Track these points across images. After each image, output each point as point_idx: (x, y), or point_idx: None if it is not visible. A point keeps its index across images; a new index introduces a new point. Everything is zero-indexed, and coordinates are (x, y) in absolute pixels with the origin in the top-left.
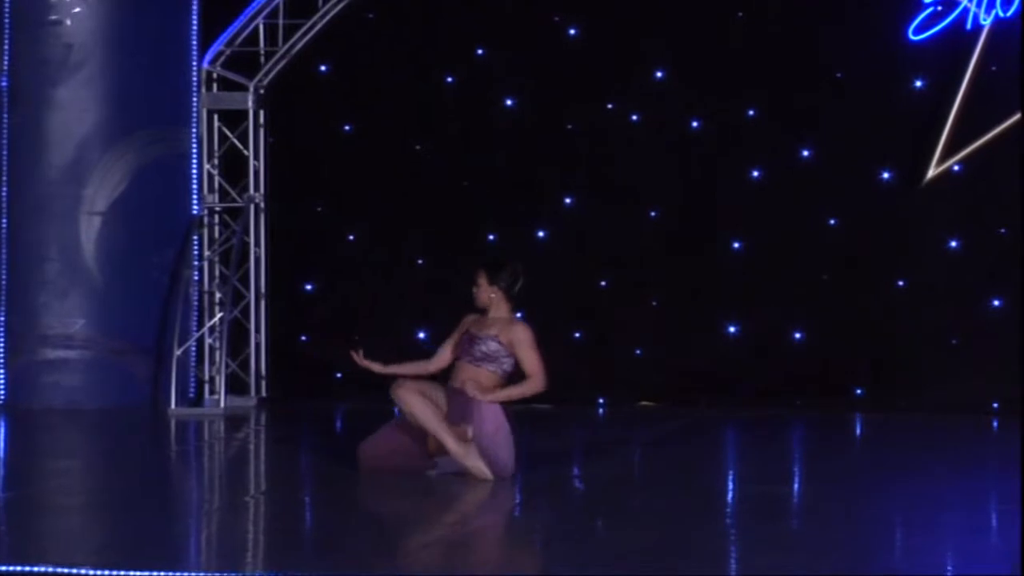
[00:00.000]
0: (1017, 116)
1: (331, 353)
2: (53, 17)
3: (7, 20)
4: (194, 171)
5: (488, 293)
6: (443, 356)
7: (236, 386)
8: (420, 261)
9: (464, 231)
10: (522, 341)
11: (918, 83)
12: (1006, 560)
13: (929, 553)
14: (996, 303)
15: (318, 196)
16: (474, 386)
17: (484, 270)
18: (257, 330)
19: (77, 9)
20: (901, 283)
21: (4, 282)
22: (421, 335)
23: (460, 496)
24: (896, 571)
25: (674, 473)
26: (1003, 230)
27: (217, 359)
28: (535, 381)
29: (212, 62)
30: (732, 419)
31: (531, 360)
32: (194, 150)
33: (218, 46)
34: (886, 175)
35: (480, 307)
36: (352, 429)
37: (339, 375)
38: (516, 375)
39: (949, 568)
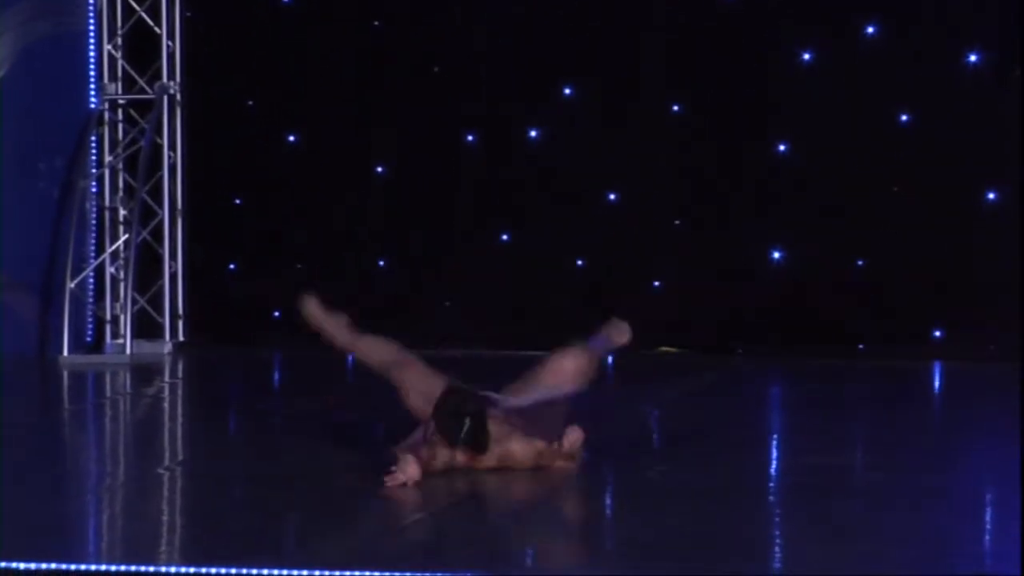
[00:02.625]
0: None
1: (266, 286)
2: None
3: None
4: (91, 54)
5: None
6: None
7: (146, 328)
8: (380, 169)
9: (436, 129)
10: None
11: None
12: None
13: None
14: None
15: (249, 87)
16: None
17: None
18: (172, 257)
19: None
20: (992, 196)
21: None
22: (381, 263)
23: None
24: (985, 570)
25: (707, 446)
26: None
27: (121, 294)
28: None
29: None
30: (775, 369)
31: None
32: (91, 27)
33: None
34: (974, 58)
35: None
36: (293, 381)
37: (276, 313)
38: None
39: None
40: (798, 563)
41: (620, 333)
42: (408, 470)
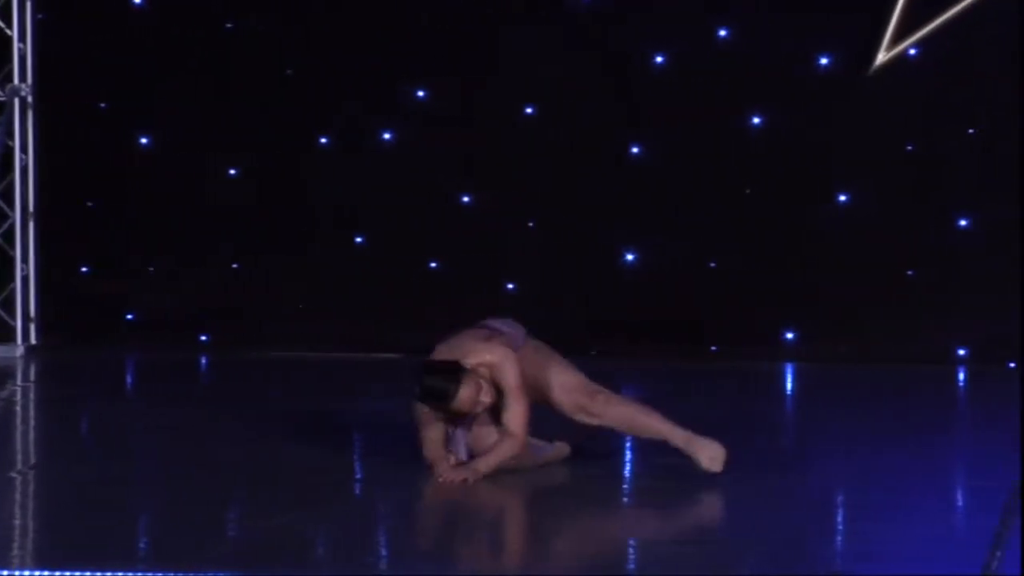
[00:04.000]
0: None
1: (120, 288)
2: None
3: None
4: None
5: (479, 383)
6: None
7: None
8: (232, 171)
9: (290, 132)
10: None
11: None
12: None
13: (883, 543)
14: (962, 223)
15: (102, 89)
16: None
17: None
18: (24, 259)
19: None
20: (843, 198)
21: None
22: (235, 265)
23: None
24: (838, 570)
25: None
26: (971, 130)
27: None
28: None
29: None
30: (627, 371)
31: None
32: None
33: None
34: (824, 60)
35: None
36: (148, 382)
37: (130, 316)
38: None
39: (910, 565)
40: (652, 565)
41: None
42: (446, 469)
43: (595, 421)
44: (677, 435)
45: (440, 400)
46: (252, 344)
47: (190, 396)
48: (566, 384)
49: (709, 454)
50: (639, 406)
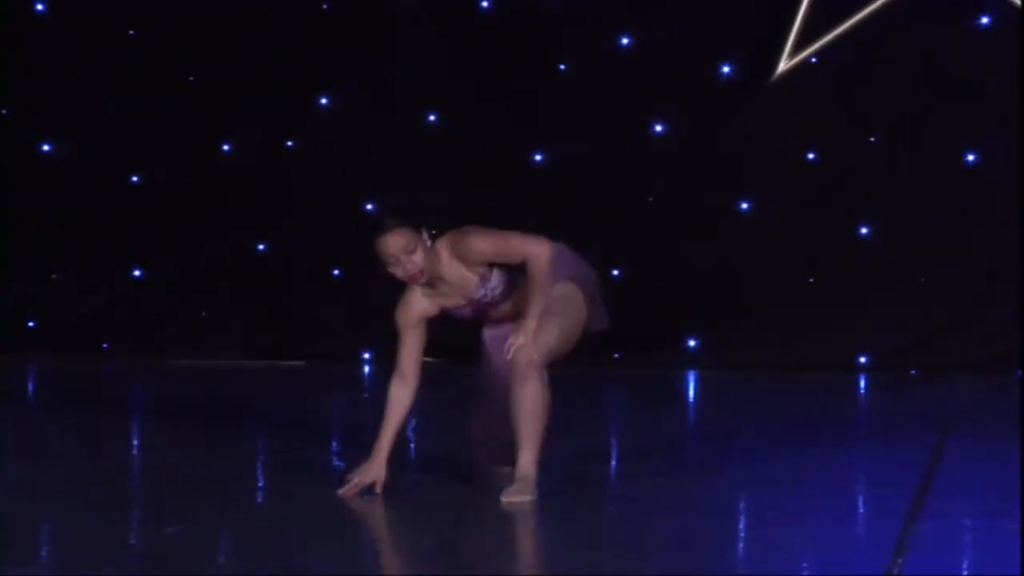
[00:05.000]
0: None
1: (22, 295)
2: None
3: None
4: None
5: (418, 254)
6: (408, 374)
7: None
8: (135, 178)
9: (193, 138)
10: (479, 242)
11: None
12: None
13: (786, 548)
14: (864, 231)
15: (4, 95)
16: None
17: (396, 229)
18: None
19: None
20: (745, 206)
21: None
22: (137, 272)
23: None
24: (739, 571)
25: (463, 456)
26: (873, 138)
27: None
28: (537, 260)
29: None
30: None
31: (509, 247)
32: None
33: None
34: (727, 69)
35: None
36: (49, 389)
37: (32, 323)
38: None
39: (813, 570)
40: (557, 570)
41: None
42: (370, 471)
43: (515, 384)
44: (528, 458)
45: (373, 230)
46: (155, 352)
47: (91, 403)
48: (540, 340)
49: (518, 495)
50: (546, 412)
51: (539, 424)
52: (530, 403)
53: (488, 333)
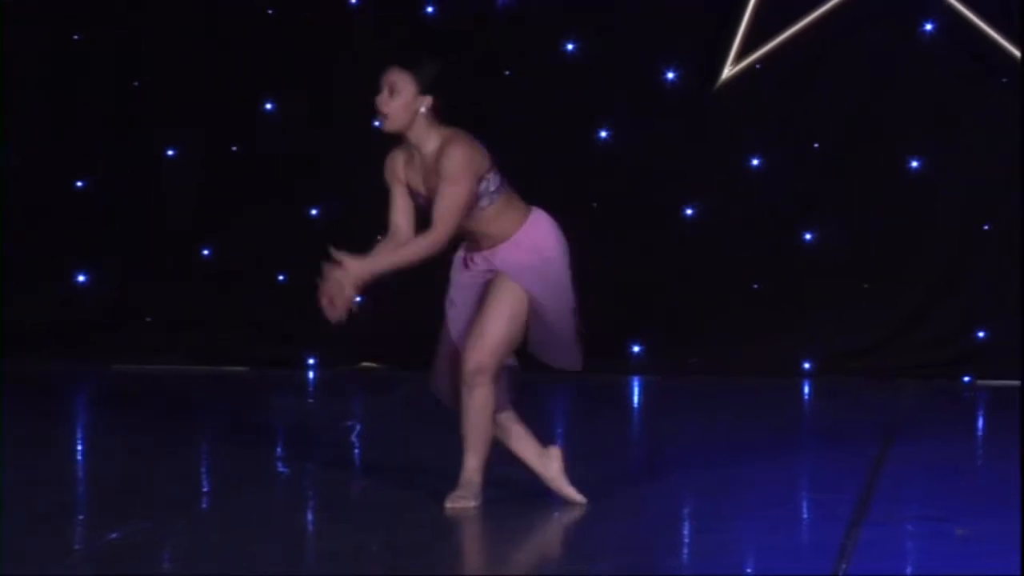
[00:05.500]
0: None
1: None
2: None
3: None
4: None
5: (398, 102)
6: (402, 227)
7: None
8: (80, 183)
9: (137, 144)
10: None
11: None
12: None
13: (731, 554)
14: (807, 237)
15: None
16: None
17: (404, 68)
18: None
19: None
20: (689, 212)
21: None
22: (81, 278)
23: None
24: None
25: (409, 459)
26: (816, 144)
27: None
28: (424, 240)
29: None
30: None
31: (439, 203)
32: None
33: None
34: (671, 75)
35: (392, 130)
36: None
37: None
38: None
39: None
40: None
41: None
42: (345, 286)
43: (464, 389)
44: (473, 463)
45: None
46: (98, 357)
47: (34, 409)
48: (490, 336)
49: (462, 500)
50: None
51: (485, 431)
52: (477, 411)
53: (459, 276)
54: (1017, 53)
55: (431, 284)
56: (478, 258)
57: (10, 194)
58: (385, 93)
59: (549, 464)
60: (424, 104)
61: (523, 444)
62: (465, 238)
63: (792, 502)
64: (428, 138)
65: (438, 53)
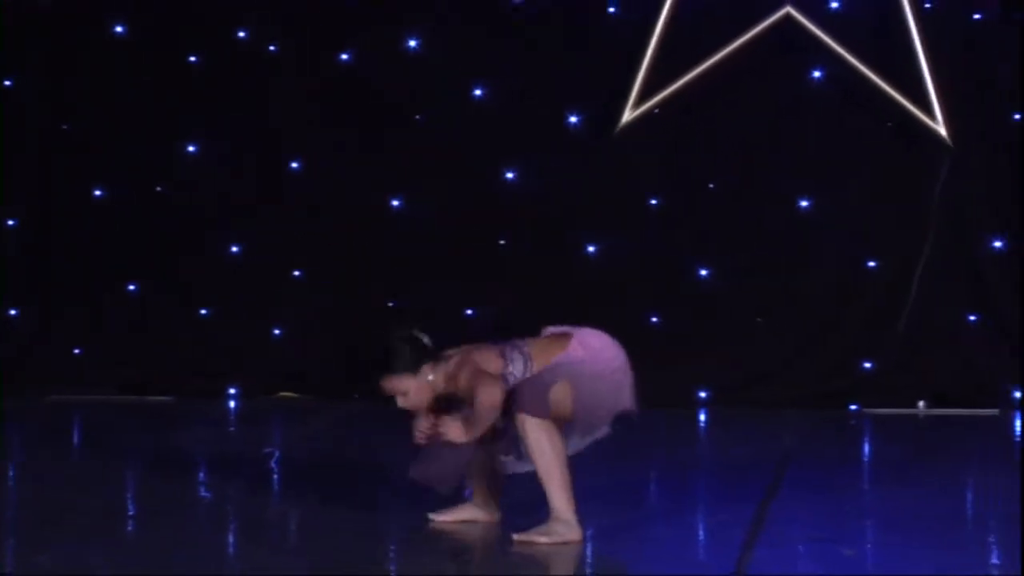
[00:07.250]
0: (727, 49)
1: None
2: None
3: None
4: None
5: (413, 395)
6: None
7: None
8: (11, 222)
9: (66, 181)
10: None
11: (611, 8)
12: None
13: None
14: (703, 273)
15: None
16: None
17: (389, 374)
18: None
19: None
20: (591, 249)
21: None
22: (12, 312)
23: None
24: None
25: (328, 483)
26: (711, 185)
27: None
28: (481, 405)
29: None
30: (389, 416)
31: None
32: None
33: None
34: (574, 119)
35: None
36: None
37: None
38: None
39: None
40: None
41: None
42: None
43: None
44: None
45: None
46: (29, 388)
47: None
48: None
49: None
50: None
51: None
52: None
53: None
54: (903, 101)
55: (338, 318)
56: None
57: None
58: (398, 399)
59: (486, 515)
60: (426, 375)
61: (486, 487)
62: None
63: (689, 526)
64: (451, 382)
65: (396, 328)
